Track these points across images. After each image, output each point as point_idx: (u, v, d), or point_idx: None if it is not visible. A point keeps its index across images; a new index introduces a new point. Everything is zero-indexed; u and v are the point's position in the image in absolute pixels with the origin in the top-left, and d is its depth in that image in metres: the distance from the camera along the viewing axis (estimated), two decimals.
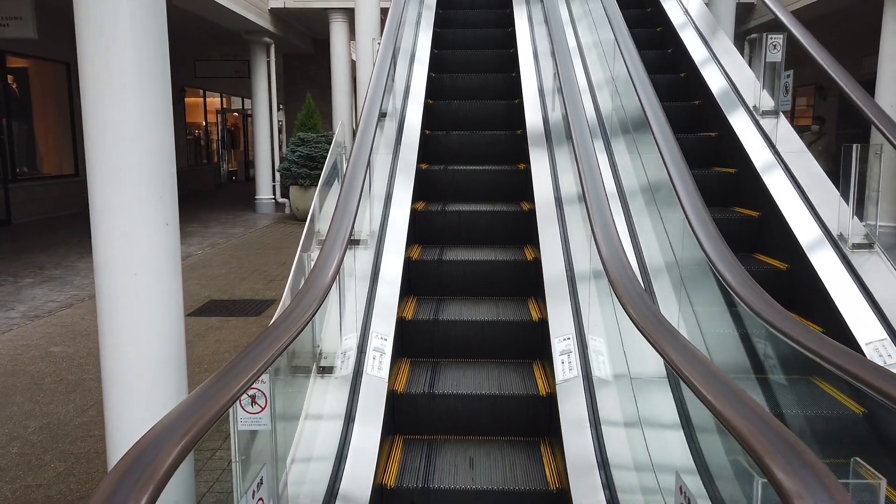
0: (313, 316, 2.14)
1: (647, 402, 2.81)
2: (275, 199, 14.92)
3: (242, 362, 1.84)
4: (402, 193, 4.39)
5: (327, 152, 3.67)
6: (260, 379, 1.98)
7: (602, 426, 2.55)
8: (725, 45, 5.41)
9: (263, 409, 2.01)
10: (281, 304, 2.91)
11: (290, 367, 3.00)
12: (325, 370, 2.97)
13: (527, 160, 4.74)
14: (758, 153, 4.17)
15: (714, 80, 5.03)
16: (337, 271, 2.44)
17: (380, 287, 3.53)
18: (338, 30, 13.21)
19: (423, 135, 5.09)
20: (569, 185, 4.28)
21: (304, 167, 12.57)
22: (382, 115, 4.81)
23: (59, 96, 13.75)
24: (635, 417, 2.68)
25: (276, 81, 15.18)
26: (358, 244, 3.71)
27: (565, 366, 3.03)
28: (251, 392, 2.00)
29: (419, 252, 4.19)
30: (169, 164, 2.21)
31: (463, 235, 4.47)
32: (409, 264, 3.97)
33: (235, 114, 24.06)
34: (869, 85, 7.41)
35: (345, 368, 3.01)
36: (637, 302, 1.99)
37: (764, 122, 4.58)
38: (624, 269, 2.19)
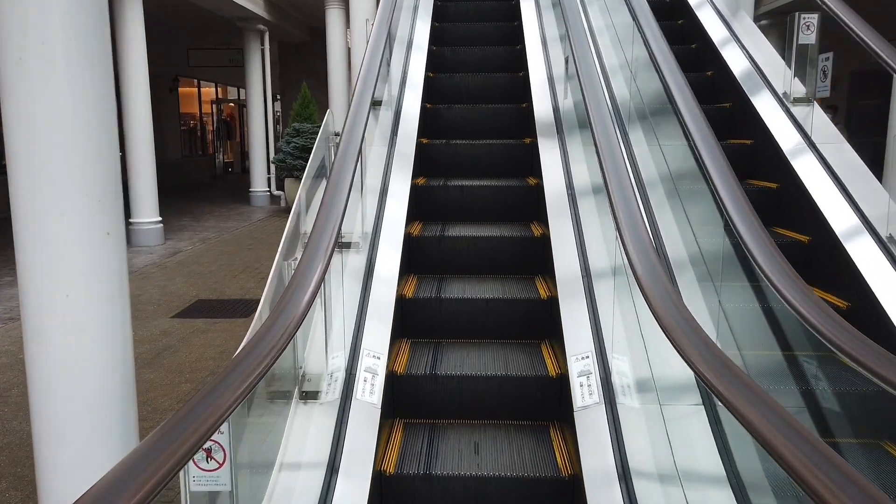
0: (284, 349, 1.75)
1: (682, 437, 2.42)
2: (270, 191, 14.52)
3: (191, 415, 1.46)
4: (398, 185, 4.00)
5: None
6: (217, 429, 1.59)
7: (633, 479, 2.16)
8: (753, 33, 4.94)
9: (221, 465, 1.62)
10: (256, 318, 2.52)
11: (268, 392, 2.61)
12: (309, 395, 2.58)
13: (533, 134, 4.46)
14: (803, 164, 3.61)
15: (747, 79, 4.44)
16: (316, 291, 2.05)
17: (373, 295, 3.13)
18: (334, 16, 12.76)
19: (423, 108, 4.84)
20: (580, 164, 3.98)
21: (299, 159, 12.15)
22: (377, 102, 4.41)
23: None
24: (670, 463, 2.29)
25: (271, 70, 14.74)
26: (349, 247, 3.32)
27: (584, 389, 2.64)
28: (206, 445, 1.61)
29: (420, 228, 3.95)
30: (111, 161, 1.82)
31: (466, 211, 4.24)
32: (408, 241, 3.74)
33: (231, 104, 23.59)
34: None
35: (331, 393, 2.62)
36: (711, 359, 1.59)
37: (796, 110, 4.19)
38: (682, 317, 1.78)
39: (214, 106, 22.13)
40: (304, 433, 2.40)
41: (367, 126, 3.95)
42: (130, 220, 9.50)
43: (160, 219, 9.70)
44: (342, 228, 3.32)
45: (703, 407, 2.54)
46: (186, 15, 13.64)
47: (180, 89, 19.11)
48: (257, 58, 13.94)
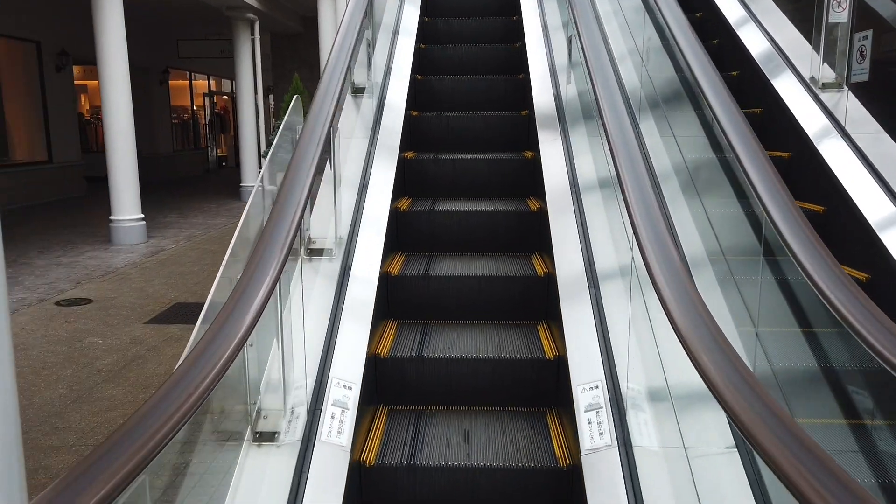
0: (195, 408, 1.32)
1: (713, 489, 1.99)
2: (262, 186, 14.05)
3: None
4: (382, 174, 3.59)
5: None
6: None
7: None
8: (780, 22, 4.42)
9: None
10: (191, 343, 2.09)
11: (214, 433, 2.19)
12: (264, 437, 2.15)
13: (530, 106, 4.24)
14: (856, 184, 3.06)
15: (782, 82, 3.88)
16: (257, 318, 1.63)
17: (346, 311, 2.70)
18: (326, 4, 12.29)
19: (413, 79, 4.62)
20: (582, 135, 3.72)
21: (290, 152, 11.70)
22: (359, 89, 3.98)
23: (29, 77, 12.85)
24: None
25: (262, 62, 14.27)
26: (320, 255, 2.89)
27: (593, 427, 2.22)
28: None
29: (408, 204, 3.75)
30: None
31: (458, 186, 4.06)
32: (396, 216, 3.56)
33: (225, 97, 23.09)
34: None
35: (292, 433, 2.19)
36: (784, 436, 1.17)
37: (825, 97, 3.75)
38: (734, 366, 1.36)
39: (207, 99, 21.64)
40: (254, 490, 1.97)
41: (347, 108, 3.52)
42: (111, 218, 9.07)
43: (142, 216, 9.25)
44: (312, 234, 2.90)
45: (736, 451, 2.12)
46: (174, 3, 13.19)
47: (172, 82, 18.62)
48: (247, 48, 13.47)
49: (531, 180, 4.01)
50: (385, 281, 3.13)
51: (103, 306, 6.28)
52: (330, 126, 2.53)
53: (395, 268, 3.28)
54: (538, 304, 3.20)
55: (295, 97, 3.20)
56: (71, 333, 5.50)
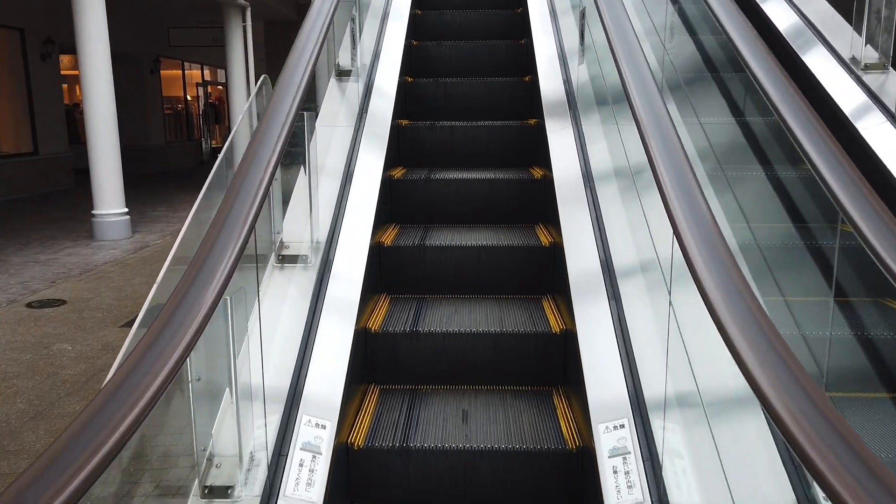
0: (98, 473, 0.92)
1: None
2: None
3: None
4: (370, 157, 3.20)
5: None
6: None
7: None
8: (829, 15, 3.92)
9: None
10: (113, 370, 1.68)
11: (157, 490, 1.79)
12: (215, 492, 1.75)
13: (533, 71, 4.03)
14: None
15: (838, 90, 3.39)
16: (190, 348, 1.23)
17: (321, 331, 2.29)
18: None
19: (408, 45, 4.40)
20: (589, 101, 3.46)
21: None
22: (345, 72, 3.57)
23: (13, 65, 12.41)
24: None
25: (256, 51, 13.82)
26: (295, 262, 2.48)
27: (620, 478, 1.81)
28: None
29: (403, 172, 3.57)
30: None
31: (456, 154, 3.90)
32: (390, 185, 3.39)
33: (219, 87, 22.60)
34: None
35: (250, 486, 1.78)
36: None
37: (867, 78, 3.33)
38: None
39: (201, 88, 21.15)
40: None
41: (330, 93, 3.13)
42: (93, 212, 8.64)
43: (126, 210, 8.81)
44: (285, 237, 2.49)
45: None
46: None
47: (164, 71, 18.13)
48: (239, 36, 13.00)
49: (534, 148, 3.79)
50: (377, 252, 2.91)
51: (77, 308, 5.87)
52: (303, 97, 2.11)
53: (388, 238, 3.05)
54: (543, 276, 3.04)
55: (263, 76, 2.79)
56: (39, 339, 5.09)
